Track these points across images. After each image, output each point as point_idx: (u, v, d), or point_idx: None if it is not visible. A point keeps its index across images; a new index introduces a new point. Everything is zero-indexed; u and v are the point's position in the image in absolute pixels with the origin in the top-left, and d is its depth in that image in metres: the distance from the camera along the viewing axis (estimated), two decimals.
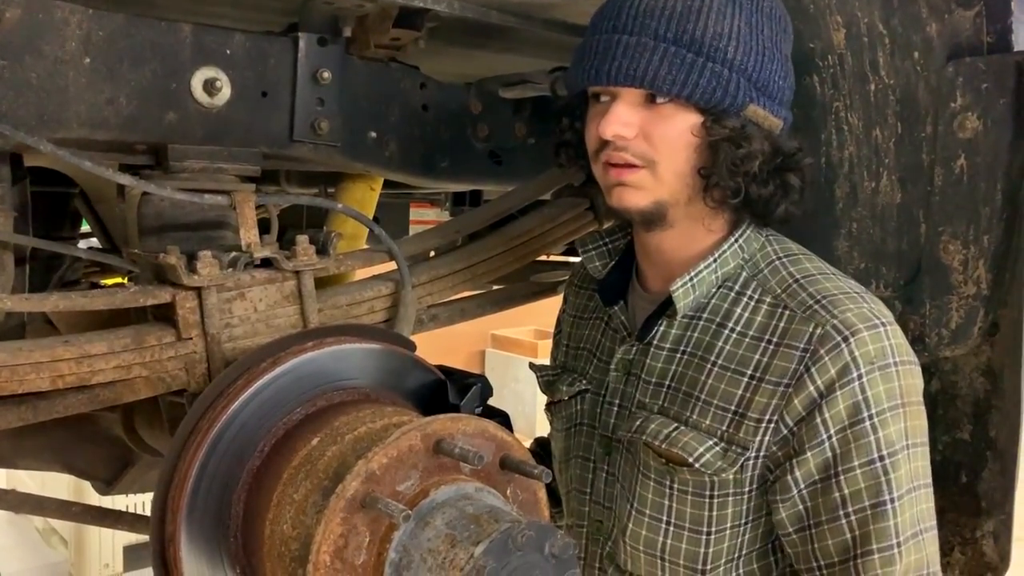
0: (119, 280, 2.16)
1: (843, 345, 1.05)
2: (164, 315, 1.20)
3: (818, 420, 1.06)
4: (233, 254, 1.21)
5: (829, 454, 1.07)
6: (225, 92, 1.34)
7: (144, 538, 4.39)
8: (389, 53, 1.51)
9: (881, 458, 1.05)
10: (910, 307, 1.23)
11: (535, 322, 6.84)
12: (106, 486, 1.77)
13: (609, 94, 1.12)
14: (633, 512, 1.19)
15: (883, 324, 1.07)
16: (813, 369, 1.06)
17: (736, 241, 1.17)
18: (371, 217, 1.91)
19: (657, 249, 1.21)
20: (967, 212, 1.18)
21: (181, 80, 1.31)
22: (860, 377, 1.05)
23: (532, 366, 1.46)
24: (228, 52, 1.35)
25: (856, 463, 1.06)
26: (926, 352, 1.22)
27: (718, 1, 1.07)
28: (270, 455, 1.05)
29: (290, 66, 1.40)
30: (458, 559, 0.85)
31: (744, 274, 1.17)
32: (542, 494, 1.05)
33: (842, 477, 1.06)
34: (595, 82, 1.11)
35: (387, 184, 2.18)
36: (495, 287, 1.76)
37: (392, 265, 1.41)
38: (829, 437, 1.06)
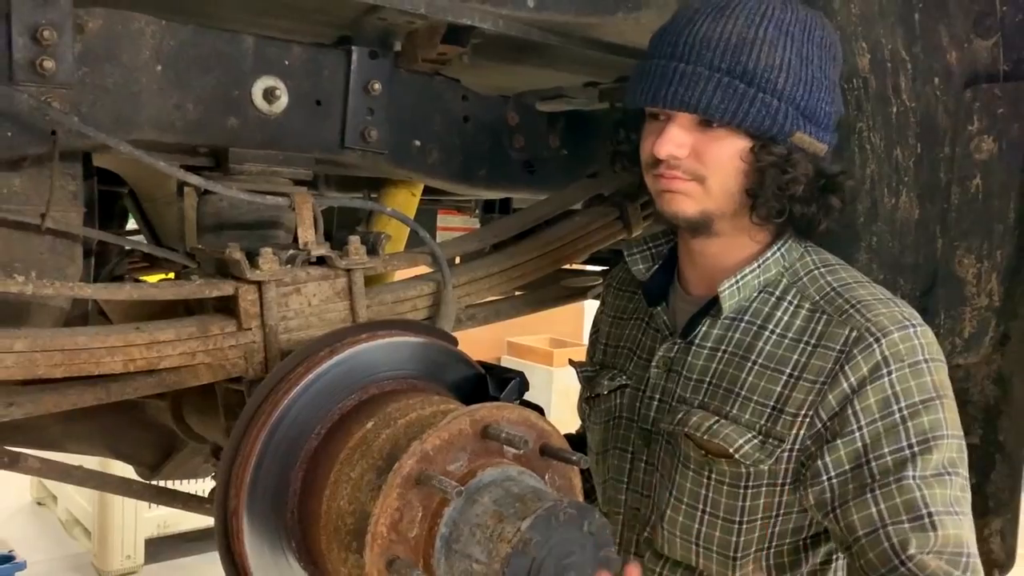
0: (163, 276, 2.25)
1: (875, 345, 1.13)
2: (225, 307, 1.28)
3: (849, 412, 1.14)
4: (291, 251, 1.30)
5: (859, 444, 1.14)
6: (283, 100, 1.42)
7: (165, 532, 4.47)
8: (434, 67, 1.59)
9: (911, 446, 1.12)
10: (925, 317, 1.29)
11: (551, 331, 6.91)
12: (150, 471, 1.85)
13: (665, 115, 1.20)
14: (672, 500, 1.27)
15: (912, 325, 1.16)
16: (847, 367, 1.14)
17: (778, 250, 1.26)
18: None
19: (701, 254, 1.30)
20: (982, 228, 1.25)
21: (243, 88, 1.39)
22: (890, 374, 1.13)
23: (572, 362, 1.54)
24: (287, 63, 1.43)
25: (886, 450, 1.13)
26: None
27: (771, 33, 1.14)
28: (326, 437, 1.13)
29: (343, 77, 1.48)
30: (506, 532, 0.92)
31: (784, 281, 1.25)
32: (577, 481, 1.13)
33: (873, 464, 1.13)
34: (652, 104, 1.19)
35: (445, 193, 2.26)
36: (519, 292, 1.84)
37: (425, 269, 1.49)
38: (859, 428, 1.14)
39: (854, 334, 1.15)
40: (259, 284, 1.26)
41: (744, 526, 1.22)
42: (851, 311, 1.17)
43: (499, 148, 1.71)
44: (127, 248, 1.91)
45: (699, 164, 1.18)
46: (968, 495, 1.15)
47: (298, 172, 1.49)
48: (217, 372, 1.26)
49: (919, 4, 1.25)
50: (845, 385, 1.15)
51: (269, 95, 1.41)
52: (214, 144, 1.41)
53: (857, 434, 1.14)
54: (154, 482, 1.74)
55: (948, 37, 1.23)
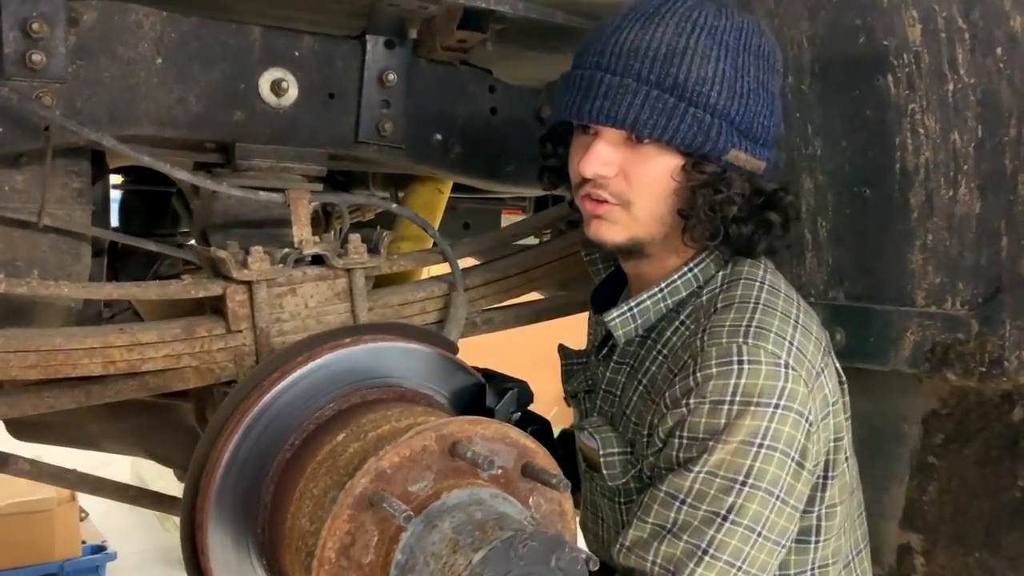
0: None
1: (691, 377, 1.07)
2: (217, 308, 1.23)
3: (660, 428, 1.10)
4: (284, 250, 1.24)
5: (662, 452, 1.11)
6: (292, 93, 1.37)
7: None
8: (458, 56, 1.51)
9: (676, 465, 1.07)
10: (988, 327, 1.13)
11: None
12: (183, 472, 1.85)
13: (593, 129, 1.11)
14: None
15: (740, 364, 1.04)
16: (667, 393, 1.10)
17: (690, 271, 1.17)
18: (438, 219, 1.92)
19: (636, 272, 1.23)
20: None
21: (249, 81, 1.35)
22: (688, 404, 1.06)
23: (561, 348, 1.42)
24: (296, 54, 1.38)
25: (662, 464, 1.09)
26: (1004, 377, 1.12)
27: (703, 43, 1.06)
28: (300, 449, 1.06)
29: (357, 68, 1.42)
30: (457, 565, 0.83)
31: (692, 300, 1.17)
32: (568, 505, 1.02)
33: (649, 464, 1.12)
34: (577, 118, 1.11)
35: (476, 190, 2.19)
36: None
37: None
38: (661, 438, 1.10)
39: (687, 358, 1.10)
40: (249, 284, 1.21)
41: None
42: (701, 335, 1.10)
43: (529, 141, 1.61)
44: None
45: (626, 186, 1.11)
46: (692, 537, 1.04)
47: (310, 168, 1.44)
48: (205, 375, 1.22)
49: None
50: (662, 404, 1.10)
51: (277, 88, 1.37)
52: (219, 139, 1.37)
53: (659, 448, 1.10)
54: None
55: None
